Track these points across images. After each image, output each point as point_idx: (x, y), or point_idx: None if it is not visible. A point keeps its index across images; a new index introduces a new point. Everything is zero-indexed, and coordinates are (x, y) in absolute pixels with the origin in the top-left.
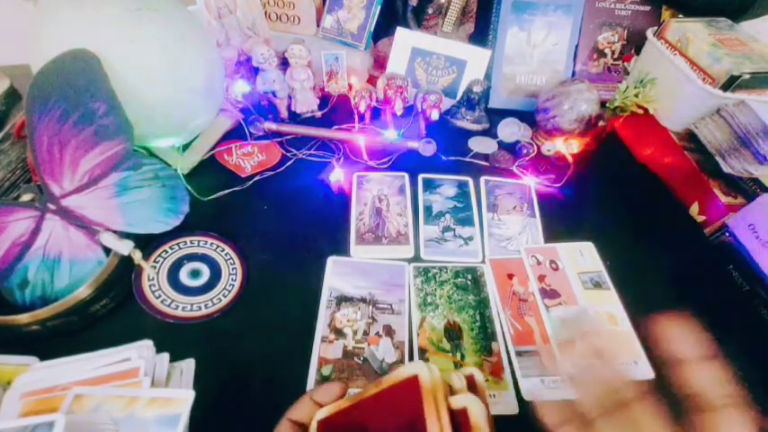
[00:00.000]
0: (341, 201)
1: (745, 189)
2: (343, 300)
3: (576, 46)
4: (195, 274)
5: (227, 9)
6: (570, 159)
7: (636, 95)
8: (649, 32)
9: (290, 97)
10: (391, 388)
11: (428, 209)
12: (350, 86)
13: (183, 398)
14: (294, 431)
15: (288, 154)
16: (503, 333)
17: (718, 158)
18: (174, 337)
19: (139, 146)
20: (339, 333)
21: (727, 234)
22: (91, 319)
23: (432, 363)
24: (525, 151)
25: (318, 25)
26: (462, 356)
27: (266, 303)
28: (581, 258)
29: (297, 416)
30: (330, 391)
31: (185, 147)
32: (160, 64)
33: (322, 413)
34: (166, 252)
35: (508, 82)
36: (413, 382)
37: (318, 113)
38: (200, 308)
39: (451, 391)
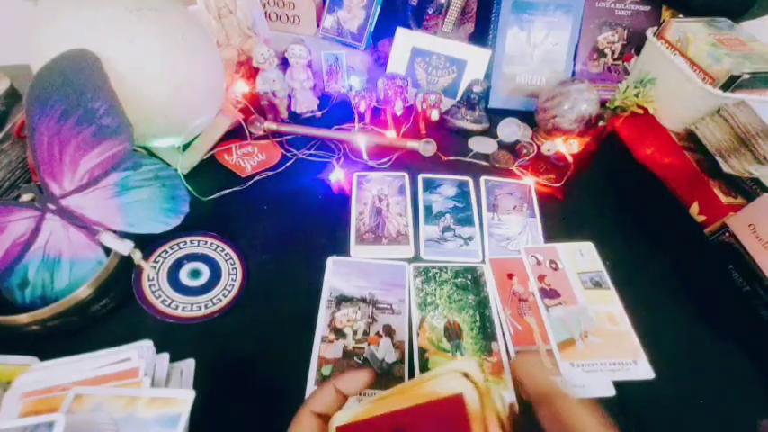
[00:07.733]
0: (341, 201)
1: (745, 189)
2: (343, 300)
3: (576, 46)
4: (195, 274)
5: (228, 9)
6: (570, 159)
7: (636, 95)
8: (649, 32)
9: (290, 97)
10: (430, 404)
11: (428, 209)
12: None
13: (183, 398)
14: (317, 425)
15: (288, 154)
16: (503, 333)
17: (718, 158)
18: (174, 337)
19: (139, 146)
20: (339, 333)
21: (727, 234)
22: (91, 319)
23: (433, 363)
24: (525, 151)
25: (318, 25)
26: (462, 356)
27: (266, 303)
28: (581, 258)
29: (319, 407)
30: (357, 380)
31: (185, 147)
32: (160, 64)
33: (342, 418)
34: (166, 252)
35: (508, 82)
36: (456, 403)
37: (318, 113)
38: (200, 308)
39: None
